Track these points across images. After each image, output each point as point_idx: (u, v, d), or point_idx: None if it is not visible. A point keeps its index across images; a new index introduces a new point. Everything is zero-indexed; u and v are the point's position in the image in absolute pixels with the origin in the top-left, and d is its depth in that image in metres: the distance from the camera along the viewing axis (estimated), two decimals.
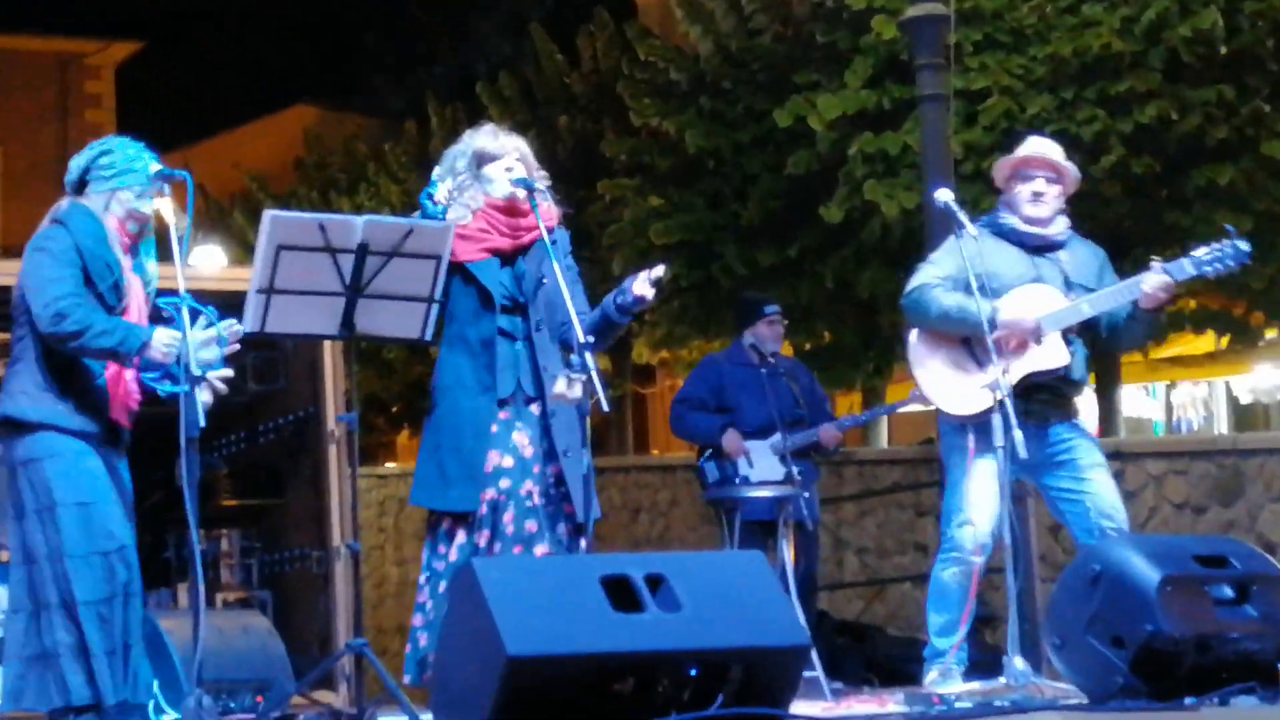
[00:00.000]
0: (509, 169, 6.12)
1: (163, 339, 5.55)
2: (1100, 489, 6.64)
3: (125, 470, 5.82)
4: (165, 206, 5.76)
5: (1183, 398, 21.73)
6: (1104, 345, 7.07)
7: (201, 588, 5.50)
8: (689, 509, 14.57)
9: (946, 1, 10.09)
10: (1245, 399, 20.91)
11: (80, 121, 25.49)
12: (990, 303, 6.48)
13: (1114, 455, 10.57)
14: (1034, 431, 6.42)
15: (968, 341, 6.69)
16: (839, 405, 21.36)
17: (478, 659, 4.52)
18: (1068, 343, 6.66)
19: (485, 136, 6.22)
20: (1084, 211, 12.09)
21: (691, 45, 15.43)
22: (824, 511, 11.91)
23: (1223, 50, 12.24)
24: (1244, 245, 6.50)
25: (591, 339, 5.67)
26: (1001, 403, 6.20)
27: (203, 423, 5.48)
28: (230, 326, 5.70)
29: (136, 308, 5.79)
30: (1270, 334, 15.25)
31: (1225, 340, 15.05)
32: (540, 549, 5.89)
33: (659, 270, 5.95)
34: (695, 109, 14.90)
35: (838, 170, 13.52)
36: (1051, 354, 6.61)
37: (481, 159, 6.16)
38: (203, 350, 5.61)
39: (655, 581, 4.69)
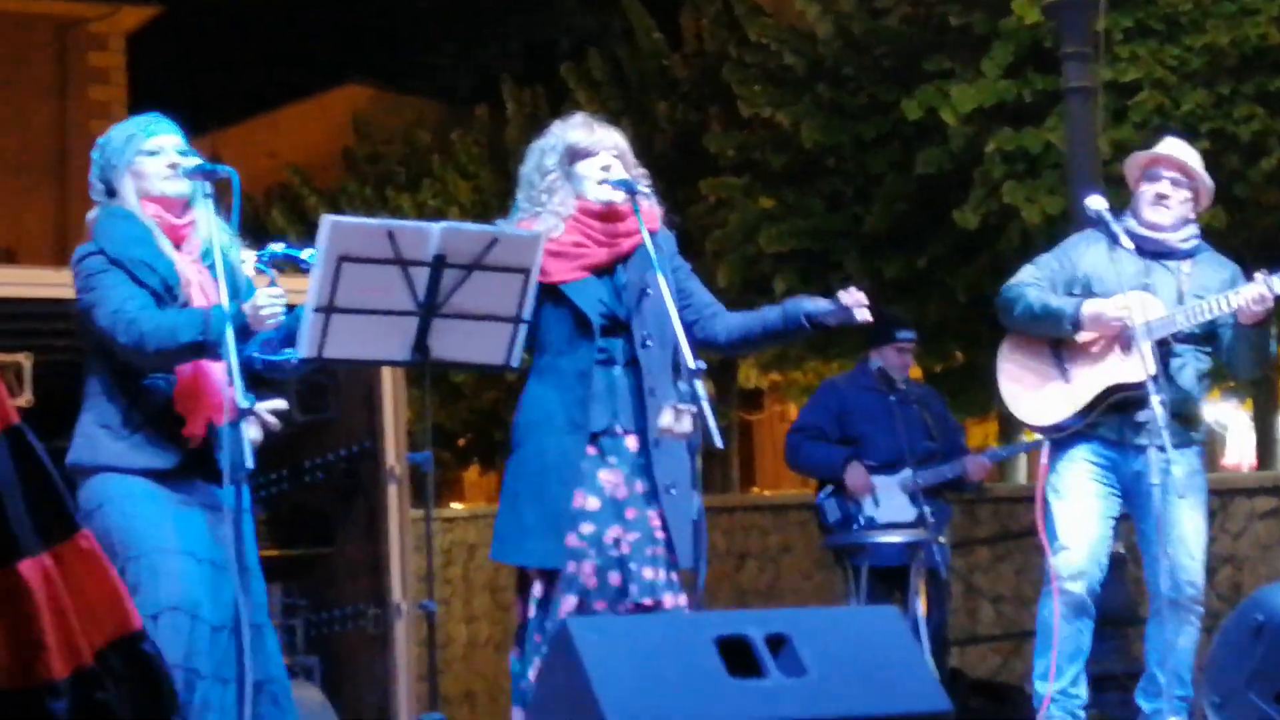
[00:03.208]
0: (606, 167, 6.02)
1: (259, 302, 5.39)
2: (1181, 546, 6.60)
3: (217, 498, 5.57)
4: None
5: None
6: (1226, 369, 7.17)
7: (249, 656, 5.35)
8: (802, 555, 14.58)
9: None
10: None
11: (83, 100, 23.67)
12: (1078, 300, 6.72)
13: (1273, 490, 10.52)
14: (1131, 455, 6.62)
15: (1058, 349, 6.85)
16: (972, 435, 21.33)
17: None
18: (1172, 355, 6.71)
19: (578, 129, 6.10)
20: (1240, 221, 12.12)
21: (808, 26, 15.38)
22: (956, 556, 11.87)
23: None
24: None
25: (703, 365, 5.52)
26: (1141, 410, 6.37)
27: (250, 463, 5.38)
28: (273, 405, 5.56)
29: (206, 299, 5.53)
30: None
31: None
32: (625, 607, 5.76)
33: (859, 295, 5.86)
34: (812, 98, 14.90)
35: (973, 170, 13.58)
36: (1138, 365, 6.52)
37: (574, 155, 6.05)
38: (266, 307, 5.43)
39: (777, 642, 4.66)
